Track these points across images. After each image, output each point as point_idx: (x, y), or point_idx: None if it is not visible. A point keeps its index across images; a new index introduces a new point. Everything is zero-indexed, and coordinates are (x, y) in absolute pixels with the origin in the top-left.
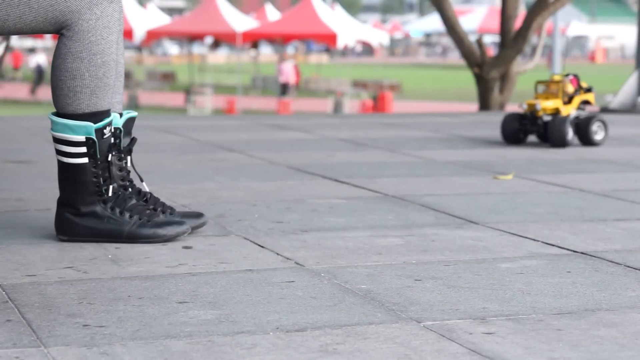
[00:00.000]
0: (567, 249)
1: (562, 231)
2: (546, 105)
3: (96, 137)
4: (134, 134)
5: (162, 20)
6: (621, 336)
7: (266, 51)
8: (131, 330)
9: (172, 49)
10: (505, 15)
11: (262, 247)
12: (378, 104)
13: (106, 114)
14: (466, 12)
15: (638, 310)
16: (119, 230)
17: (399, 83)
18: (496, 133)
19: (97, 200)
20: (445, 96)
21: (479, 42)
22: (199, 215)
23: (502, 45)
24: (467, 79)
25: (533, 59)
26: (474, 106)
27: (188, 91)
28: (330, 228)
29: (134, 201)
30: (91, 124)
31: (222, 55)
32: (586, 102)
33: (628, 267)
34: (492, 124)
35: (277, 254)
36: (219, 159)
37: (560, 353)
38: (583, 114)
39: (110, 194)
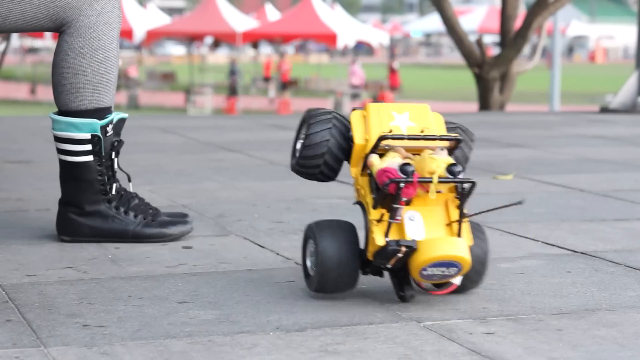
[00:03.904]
0: (567, 249)
1: (562, 231)
2: None
3: (101, 134)
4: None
5: (162, 20)
6: (621, 336)
7: (266, 51)
8: (131, 330)
9: (174, 49)
10: (505, 15)
11: (262, 247)
12: None
13: (109, 110)
14: (466, 12)
15: (638, 310)
16: (124, 230)
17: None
18: (496, 133)
19: (102, 199)
20: (445, 96)
21: (479, 42)
22: (183, 215)
23: (502, 45)
24: (467, 79)
25: (533, 59)
26: (474, 106)
27: (188, 91)
28: None
29: (137, 201)
30: (97, 120)
31: (222, 55)
32: None
33: (628, 267)
34: (492, 124)
35: (277, 254)
36: (219, 159)
37: (560, 353)
38: None
39: (114, 193)
